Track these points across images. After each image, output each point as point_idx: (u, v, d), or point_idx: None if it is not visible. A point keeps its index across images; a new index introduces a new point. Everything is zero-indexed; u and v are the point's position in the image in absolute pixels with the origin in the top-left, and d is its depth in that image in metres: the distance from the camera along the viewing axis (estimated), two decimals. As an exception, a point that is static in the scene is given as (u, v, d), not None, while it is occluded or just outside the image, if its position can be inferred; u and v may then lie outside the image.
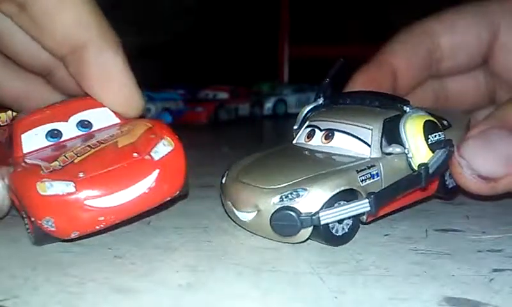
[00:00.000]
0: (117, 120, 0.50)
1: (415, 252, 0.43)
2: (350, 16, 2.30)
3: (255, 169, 0.48)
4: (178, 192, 0.46)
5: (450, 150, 0.46)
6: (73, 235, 0.42)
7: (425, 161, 0.45)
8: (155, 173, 0.44)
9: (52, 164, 0.43)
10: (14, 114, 0.53)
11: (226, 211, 0.50)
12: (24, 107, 0.56)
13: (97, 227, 0.43)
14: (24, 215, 0.45)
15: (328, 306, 0.34)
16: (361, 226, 0.47)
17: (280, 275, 0.39)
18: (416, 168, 0.45)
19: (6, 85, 0.56)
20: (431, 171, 0.45)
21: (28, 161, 0.45)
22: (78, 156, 0.44)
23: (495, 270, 0.39)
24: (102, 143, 0.46)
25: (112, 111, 0.50)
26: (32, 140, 0.47)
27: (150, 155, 0.44)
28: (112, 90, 0.50)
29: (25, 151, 0.47)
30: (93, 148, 0.45)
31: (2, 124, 0.53)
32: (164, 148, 0.45)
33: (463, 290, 0.36)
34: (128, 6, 1.75)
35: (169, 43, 2.00)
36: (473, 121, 0.57)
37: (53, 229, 0.41)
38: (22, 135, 0.47)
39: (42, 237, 0.43)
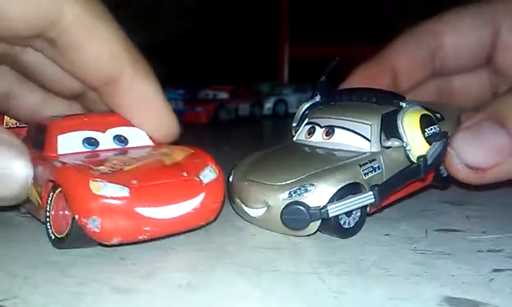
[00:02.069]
0: (150, 142, 0.51)
1: (415, 252, 0.43)
2: (350, 16, 2.30)
3: (262, 167, 0.50)
4: (212, 220, 0.47)
5: (446, 142, 0.48)
6: (114, 241, 0.41)
7: (423, 153, 0.48)
8: (202, 195, 0.45)
9: (99, 168, 0.43)
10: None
11: (233, 208, 0.51)
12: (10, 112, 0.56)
13: (140, 237, 0.42)
14: (48, 214, 0.44)
15: (327, 306, 0.34)
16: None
17: (280, 275, 0.39)
18: (414, 160, 0.48)
19: (23, 98, 0.55)
20: (429, 162, 0.47)
21: (67, 161, 0.44)
22: (126, 165, 0.44)
23: (495, 270, 0.39)
24: (147, 159, 0.46)
25: (147, 134, 0.51)
26: (69, 143, 0.47)
27: (199, 178, 0.45)
28: (148, 119, 0.50)
29: (59, 152, 0.47)
30: (140, 161, 0.45)
31: (12, 126, 0.53)
32: (210, 174, 0.46)
33: (463, 290, 0.36)
34: (129, 6, 1.75)
35: (169, 43, 2.00)
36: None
37: (97, 230, 0.40)
38: (59, 136, 0.47)
39: (77, 239, 0.42)
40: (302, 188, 0.45)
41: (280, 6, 2.20)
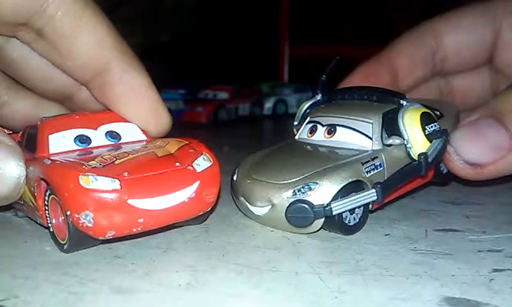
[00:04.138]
0: (144, 137, 0.51)
1: (415, 252, 0.43)
2: (349, 17, 2.30)
3: (265, 166, 0.51)
4: (209, 209, 0.47)
5: (446, 139, 0.49)
6: (108, 235, 0.41)
7: (424, 150, 0.48)
8: (196, 184, 0.44)
9: (90, 163, 0.43)
10: None
11: (238, 206, 0.52)
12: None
13: (134, 229, 0.42)
14: (47, 216, 0.44)
15: (328, 306, 0.34)
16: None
17: (280, 275, 0.39)
18: (416, 157, 0.49)
19: (15, 105, 0.55)
20: (429, 159, 0.48)
21: (58, 159, 0.44)
22: (117, 159, 0.44)
23: (495, 270, 0.39)
24: (139, 152, 0.46)
25: (140, 128, 0.51)
26: (60, 142, 0.47)
27: (192, 166, 0.45)
28: (140, 109, 0.50)
29: (51, 151, 0.46)
30: (132, 155, 0.45)
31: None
32: (204, 162, 0.46)
33: (463, 290, 0.36)
34: (129, 6, 1.75)
35: (169, 44, 2.00)
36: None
37: (90, 225, 0.40)
38: (50, 136, 0.47)
39: (77, 240, 0.42)
40: (306, 187, 0.45)
41: (279, 6, 2.20)
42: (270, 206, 0.47)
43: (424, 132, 0.48)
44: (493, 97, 0.50)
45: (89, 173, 0.41)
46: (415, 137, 0.48)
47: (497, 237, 0.46)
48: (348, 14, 2.29)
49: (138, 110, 0.50)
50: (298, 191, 0.45)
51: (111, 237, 0.41)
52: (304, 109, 0.57)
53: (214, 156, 0.47)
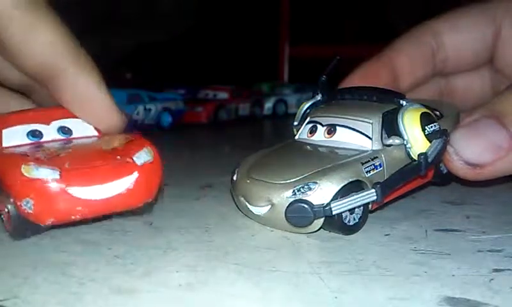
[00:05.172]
0: (95, 133, 0.53)
1: (415, 252, 0.43)
2: (349, 17, 2.30)
3: (265, 165, 0.51)
4: (149, 201, 0.49)
5: (446, 139, 0.49)
6: (48, 222, 0.44)
7: (424, 151, 0.48)
8: (135, 175, 0.47)
9: (35, 155, 0.45)
10: None
11: (238, 206, 0.52)
12: None
13: (73, 217, 0.44)
14: (6, 204, 0.45)
15: (327, 306, 0.34)
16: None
17: (280, 275, 0.39)
18: (415, 157, 0.48)
19: None
20: (429, 159, 0.48)
21: (9, 151, 0.47)
22: (62, 152, 0.47)
23: (495, 270, 0.39)
24: (85, 146, 0.49)
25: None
26: (13, 136, 0.49)
27: (132, 159, 0.47)
28: (90, 112, 0.51)
29: (4, 144, 0.49)
30: (77, 148, 0.48)
31: None
32: (145, 155, 0.48)
33: (463, 290, 0.36)
34: (128, 6, 1.75)
35: (169, 43, 2.00)
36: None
37: (30, 211, 0.43)
38: (3, 130, 0.49)
39: (19, 226, 0.44)
40: (306, 187, 0.45)
41: (279, 6, 2.20)
42: (270, 206, 0.47)
43: (424, 132, 0.48)
44: (493, 97, 0.50)
45: (31, 163, 0.43)
46: (415, 137, 0.48)
47: (497, 237, 0.46)
48: (348, 14, 2.29)
49: (88, 114, 0.52)
50: (298, 191, 0.45)
51: (50, 224, 0.44)
52: (304, 109, 0.57)
53: (157, 152, 0.49)
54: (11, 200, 0.44)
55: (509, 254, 0.42)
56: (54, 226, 0.45)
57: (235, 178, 0.52)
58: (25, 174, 0.43)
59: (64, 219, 0.44)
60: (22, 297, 0.35)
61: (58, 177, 0.43)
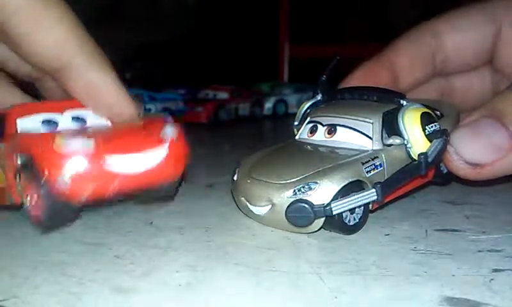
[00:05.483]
0: (108, 122, 0.51)
1: (415, 252, 0.43)
2: (349, 16, 2.30)
3: (266, 165, 0.51)
4: (177, 178, 0.48)
5: (446, 139, 0.49)
6: (85, 195, 0.42)
7: (424, 150, 0.48)
8: (165, 149, 0.46)
9: (61, 133, 0.44)
10: None
11: (238, 206, 0.52)
12: None
13: (107, 193, 0.43)
14: (26, 205, 0.44)
15: (328, 306, 0.34)
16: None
17: (280, 275, 0.39)
18: (416, 157, 0.49)
19: None
20: (429, 159, 0.48)
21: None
22: (86, 132, 0.45)
23: (495, 270, 0.39)
24: (106, 127, 0.48)
25: None
26: (28, 125, 0.48)
27: (160, 135, 0.47)
28: (102, 105, 0.50)
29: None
30: (100, 130, 0.47)
31: None
32: (171, 132, 0.48)
33: (463, 290, 0.36)
34: (129, 6, 1.75)
35: (169, 43, 2.00)
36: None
37: (67, 186, 0.40)
38: (17, 120, 0.48)
39: (54, 209, 0.42)
40: (306, 187, 0.45)
41: (279, 6, 2.20)
42: (270, 206, 0.47)
43: (424, 132, 0.48)
44: (493, 97, 0.50)
45: (63, 136, 0.42)
46: (415, 137, 0.48)
47: (497, 237, 0.46)
48: (349, 14, 2.29)
49: (99, 105, 0.50)
50: (298, 191, 0.45)
51: (85, 200, 0.42)
52: (305, 109, 0.58)
53: (180, 129, 0.49)
54: (43, 180, 0.40)
55: (509, 254, 0.42)
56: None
57: (235, 178, 0.52)
58: (59, 146, 0.40)
59: (100, 193, 0.42)
60: (22, 297, 0.35)
61: (92, 147, 0.41)
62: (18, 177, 0.44)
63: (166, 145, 0.46)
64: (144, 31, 1.86)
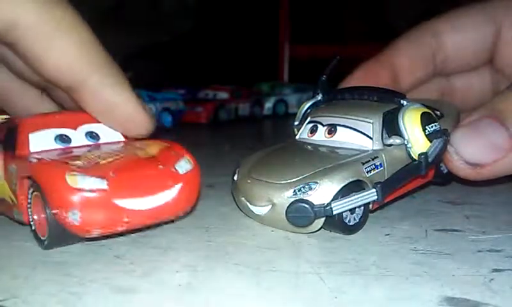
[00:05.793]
0: (122, 138, 0.51)
1: (415, 252, 0.43)
2: (350, 16, 2.30)
3: (266, 165, 0.51)
4: (190, 208, 0.48)
5: (447, 139, 0.49)
6: (94, 233, 0.42)
7: (424, 150, 0.48)
8: (179, 185, 0.45)
9: (75, 162, 0.43)
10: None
11: (238, 206, 0.52)
12: (8, 109, 0.56)
13: (119, 228, 0.43)
14: (31, 214, 0.44)
15: (327, 306, 0.34)
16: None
17: (279, 275, 0.39)
18: (416, 157, 0.48)
19: (17, 96, 0.55)
20: (430, 159, 0.48)
21: (42, 157, 0.45)
22: (101, 159, 0.44)
23: (495, 270, 0.39)
24: (120, 153, 0.47)
25: None
26: (41, 141, 0.47)
27: (175, 169, 0.46)
28: (118, 121, 0.49)
29: (32, 150, 0.46)
30: (114, 155, 0.46)
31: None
32: (186, 165, 0.47)
33: (463, 290, 0.36)
34: (129, 6, 1.75)
35: (169, 44, 2.00)
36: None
37: (77, 223, 0.40)
38: (30, 134, 0.47)
39: (58, 237, 0.42)
40: (306, 187, 0.45)
41: (279, 6, 2.20)
42: (270, 206, 0.47)
43: (424, 132, 0.48)
44: (493, 97, 0.50)
45: (76, 172, 0.41)
46: (415, 137, 0.48)
47: (497, 237, 0.46)
48: (348, 14, 2.29)
49: (115, 122, 0.50)
50: (298, 191, 0.45)
51: (96, 235, 0.42)
52: (305, 109, 0.58)
53: (195, 160, 0.48)
54: (52, 209, 0.41)
55: (509, 254, 0.42)
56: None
57: (235, 178, 0.52)
58: (72, 184, 0.40)
59: (110, 230, 0.42)
60: (22, 297, 0.35)
61: (106, 187, 0.41)
62: (29, 200, 0.44)
63: (180, 184, 0.45)
64: (145, 33, 1.86)
